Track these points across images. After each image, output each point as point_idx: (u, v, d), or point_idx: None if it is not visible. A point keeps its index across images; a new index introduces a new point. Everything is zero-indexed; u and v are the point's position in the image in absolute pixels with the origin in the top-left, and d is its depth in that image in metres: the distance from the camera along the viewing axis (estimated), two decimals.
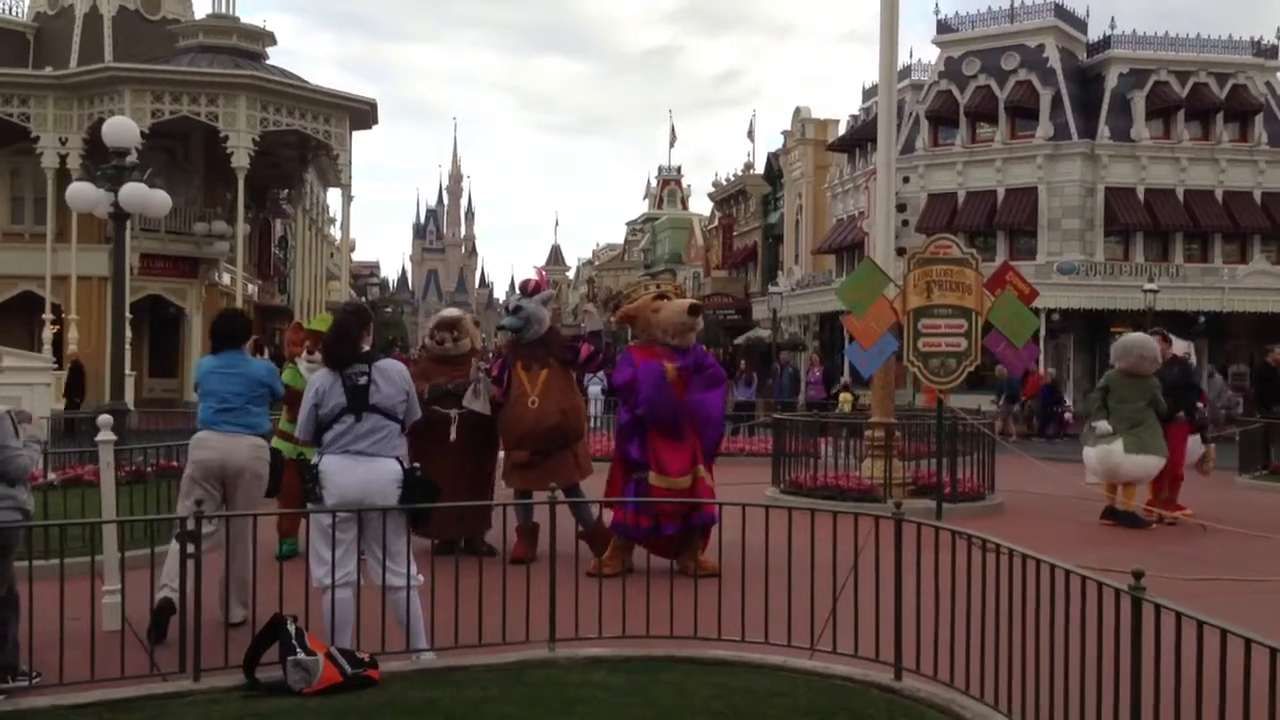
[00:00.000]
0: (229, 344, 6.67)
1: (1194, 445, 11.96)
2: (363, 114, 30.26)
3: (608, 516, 8.43)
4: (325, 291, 47.75)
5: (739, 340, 48.06)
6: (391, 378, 5.68)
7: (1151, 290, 31.95)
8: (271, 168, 33.80)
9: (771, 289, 41.18)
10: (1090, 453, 11.40)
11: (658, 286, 9.03)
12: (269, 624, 5.27)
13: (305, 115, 28.93)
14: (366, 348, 5.75)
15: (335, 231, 52.19)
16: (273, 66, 31.15)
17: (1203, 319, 32.23)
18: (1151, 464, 11.18)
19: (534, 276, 9.47)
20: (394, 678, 5.34)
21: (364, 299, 65.10)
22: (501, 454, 9.01)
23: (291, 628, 5.24)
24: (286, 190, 39.61)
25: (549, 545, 5.99)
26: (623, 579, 6.14)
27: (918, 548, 5.42)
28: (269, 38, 32.44)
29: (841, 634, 5.72)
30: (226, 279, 31.68)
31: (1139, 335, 11.85)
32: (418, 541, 5.79)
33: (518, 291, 9.23)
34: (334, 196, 48.66)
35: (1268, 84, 38.06)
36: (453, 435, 8.59)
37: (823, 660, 5.73)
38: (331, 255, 51.26)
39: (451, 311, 9.93)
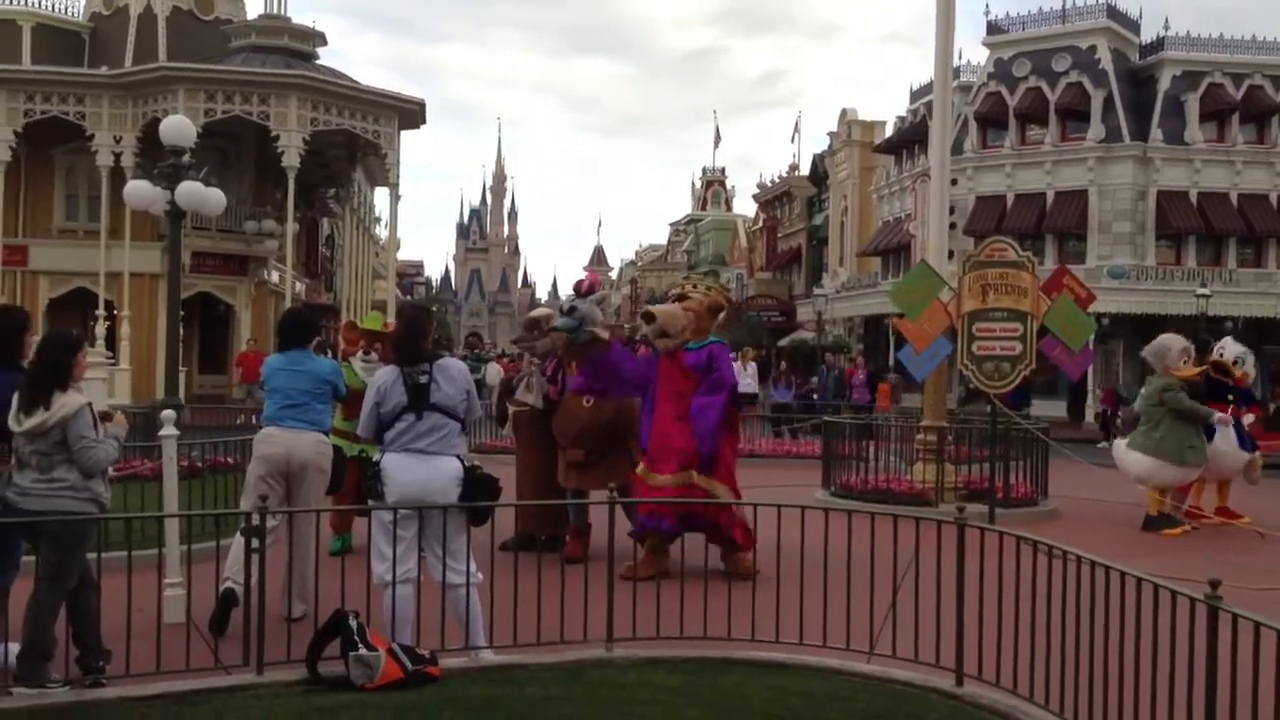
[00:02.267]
0: (295, 342, 6.74)
1: (1238, 452, 11.72)
2: (411, 114, 30.42)
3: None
4: (371, 290, 48.13)
5: (783, 342, 47.88)
6: (453, 376, 5.71)
7: (1204, 295, 31.48)
8: (320, 167, 34.08)
9: (816, 291, 41.05)
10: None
11: (680, 288, 9.03)
12: (331, 619, 5.30)
13: (354, 115, 29.13)
14: (427, 347, 5.80)
15: (381, 231, 52.63)
16: (323, 66, 31.40)
17: (1229, 324, 31.73)
18: (1147, 464, 11.04)
19: (587, 278, 9.49)
20: (454, 675, 5.36)
21: (409, 298, 65.59)
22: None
23: (353, 623, 5.27)
24: (335, 189, 39.93)
25: (608, 545, 5.99)
26: (681, 582, 6.10)
27: (981, 553, 5.36)
28: (320, 38, 32.70)
29: (901, 638, 5.68)
30: (275, 277, 31.97)
31: (1161, 336, 11.82)
32: (478, 539, 5.81)
33: (571, 292, 9.26)
34: (380, 196, 49.17)
35: None
36: (507, 430, 8.72)
37: (881, 664, 5.68)
38: (377, 254, 51.66)
39: (538, 311, 10.02)
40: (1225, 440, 11.55)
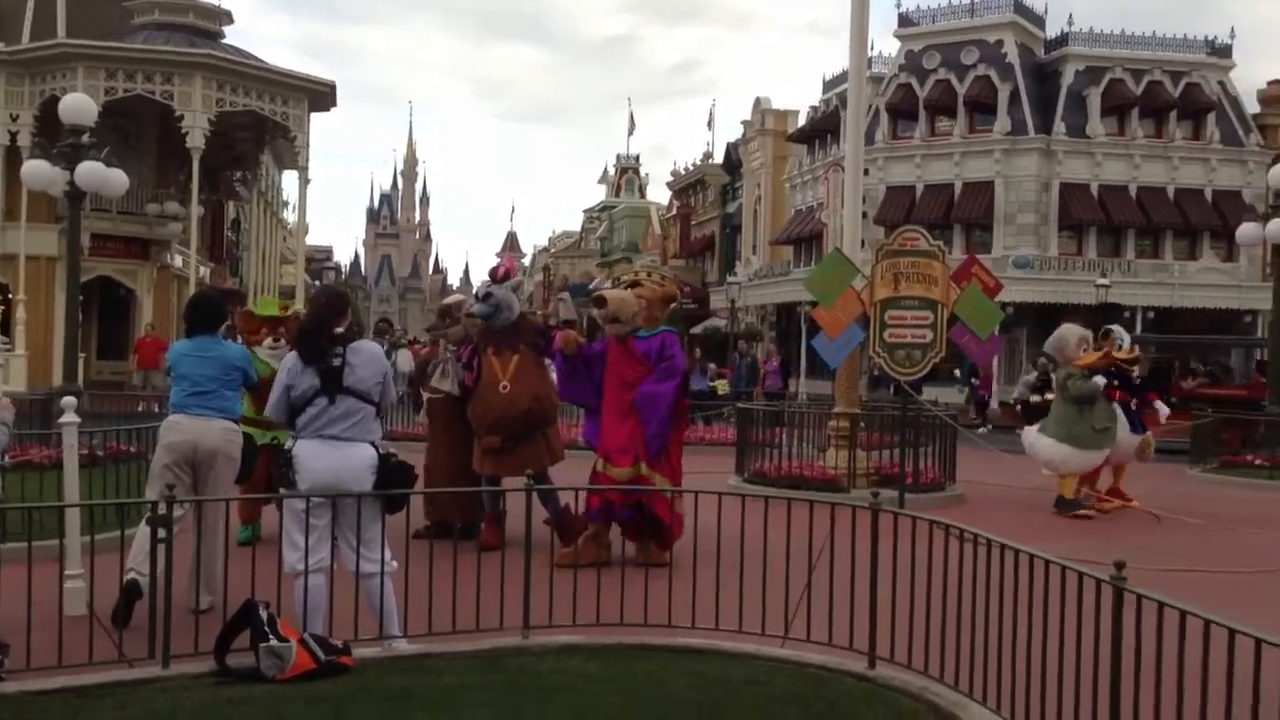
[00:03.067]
0: (203, 327, 6.57)
1: (1131, 436, 12.14)
2: (322, 96, 29.85)
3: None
4: (279, 275, 47.23)
5: (696, 330, 48.12)
6: (367, 360, 5.60)
7: (1104, 285, 32.36)
8: (226, 149, 33.30)
9: (729, 279, 41.27)
10: None
11: (634, 275, 9.02)
12: (241, 610, 5.19)
13: (263, 96, 28.48)
14: (340, 330, 5.68)
15: (289, 215, 51.70)
16: (229, 46, 30.65)
17: (1126, 314, 32.78)
18: (1061, 450, 11.37)
19: (503, 263, 9.41)
20: (368, 665, 5.28)
21: (318, 283, 64.53)
22: None
23: (264, 614, 5.16)
24: (241, 172, 39.07)
25: (524, 532, 5.95)
26: (597, 569, 6.10)
27: (894, 537, 5.42)
28: (226, 17, 31.92)
29: (815, 623, 5.74)
30: (179, 261, 31.21)
31: (1059, 329, 12.17)
32: (392, 527, 5.73)
33: (487, 278, 9.19)
34: (289, 179, 48.30)
35: (1220, 83, 38.60)
36: (421, 417, 8.66)
37: (796, 649, 5.74)
38: (285, 239, 50.72)
39: (453, 297, 9.97)
40: (1120, 426, 11.92)
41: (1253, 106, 39.98)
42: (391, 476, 5.56)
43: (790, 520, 5.68)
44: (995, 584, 4.82)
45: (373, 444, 5.59)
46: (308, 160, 29.62)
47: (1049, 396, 22.09)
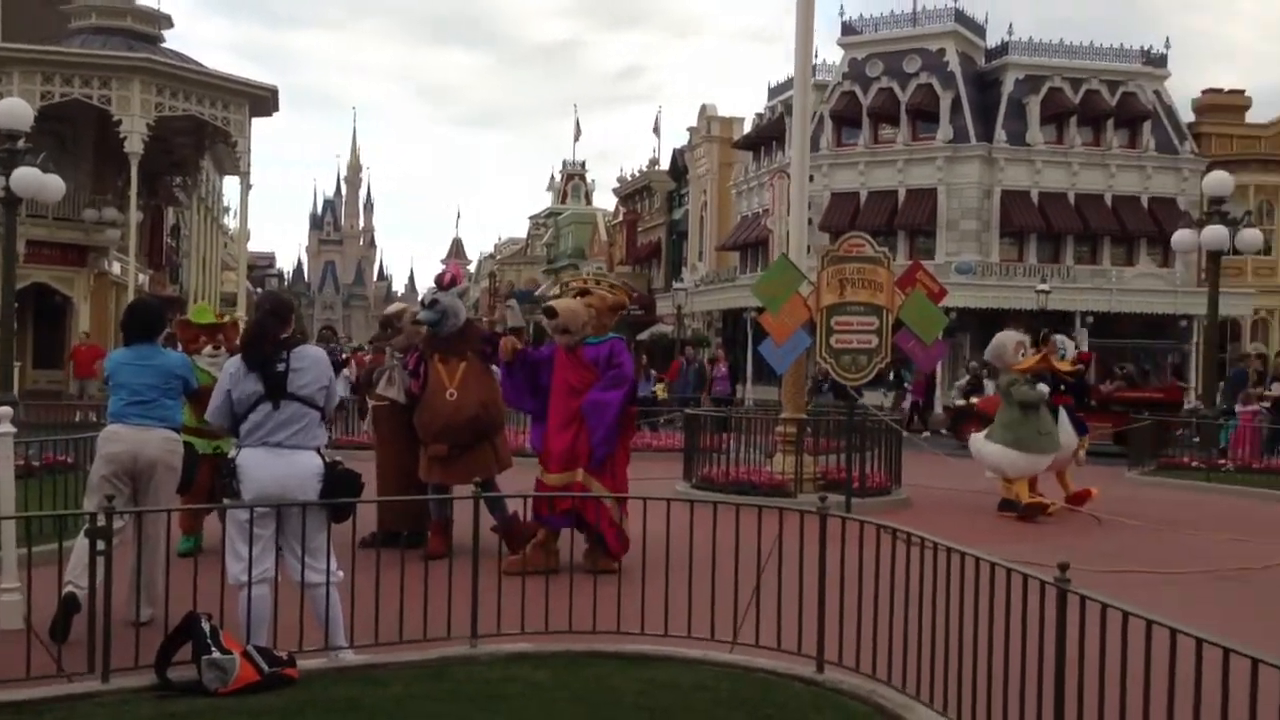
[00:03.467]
0: (142, 335, 6.45)
1: (1072, 439, 12.35)
2: (263, 101, 29.50)
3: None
4: (220, 282, 46.65)
5: (642, 336, 48.17)
6: (311, 364, 5.54)
7: (1043, 291, 32.84)
8: (165, 154, 32.79)
9: (676, 285, 41.35)
10: None
11: (583, 283, 8.99)
12: (183, 622, 5.11)
13: (203, 101, 28.08)
14: (285, 335, 5.61)
15: (230, 221, 51.03)
16: (169, 50, 30.20)
17: (1073, 323, 33.47)
18: (1009, 455, 11.54)
19: (449, 270, 9.35)
20: (313, 676, 5.22)
21: (260, 290, 63.80)
22: None
23: (206, 626, 5.08)
24: (181, 177, 38.53)
25: (471, 540, 5.91)
26: (545, 576, 6.07)
27: (841, 541, 5.45)
28: (165, 20, 31.45)
29: (764, 628, 5.76)
30: (117, 268, 30.69)
31: (997, 336, 12.38)
32: (338, 536, 5.67)
33: (434, 285, 9.14)
34: (230, 185, 47.67)
35: (1156, 92, 39.35)
36: (367, 425, 8.61)
37: (745, 654, 5.75)
38: (226, 245, 50.09)
39: (394, 306, 9.90)
40: (1064, 432, 12.11)
41: (1187, 115, 40.81)
42: (338, 485, 5.49)
43: (739, 526, 5.69)
44: (941, 587, 4.86)
45: (318, 451, 5.53)
46: (249, 165, 29.26)
47: (974, 400, 22.62)
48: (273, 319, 5.63)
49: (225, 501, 5.48)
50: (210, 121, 28.74)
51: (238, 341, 6.37)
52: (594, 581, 6.12)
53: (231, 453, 5.53)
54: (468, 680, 5.28)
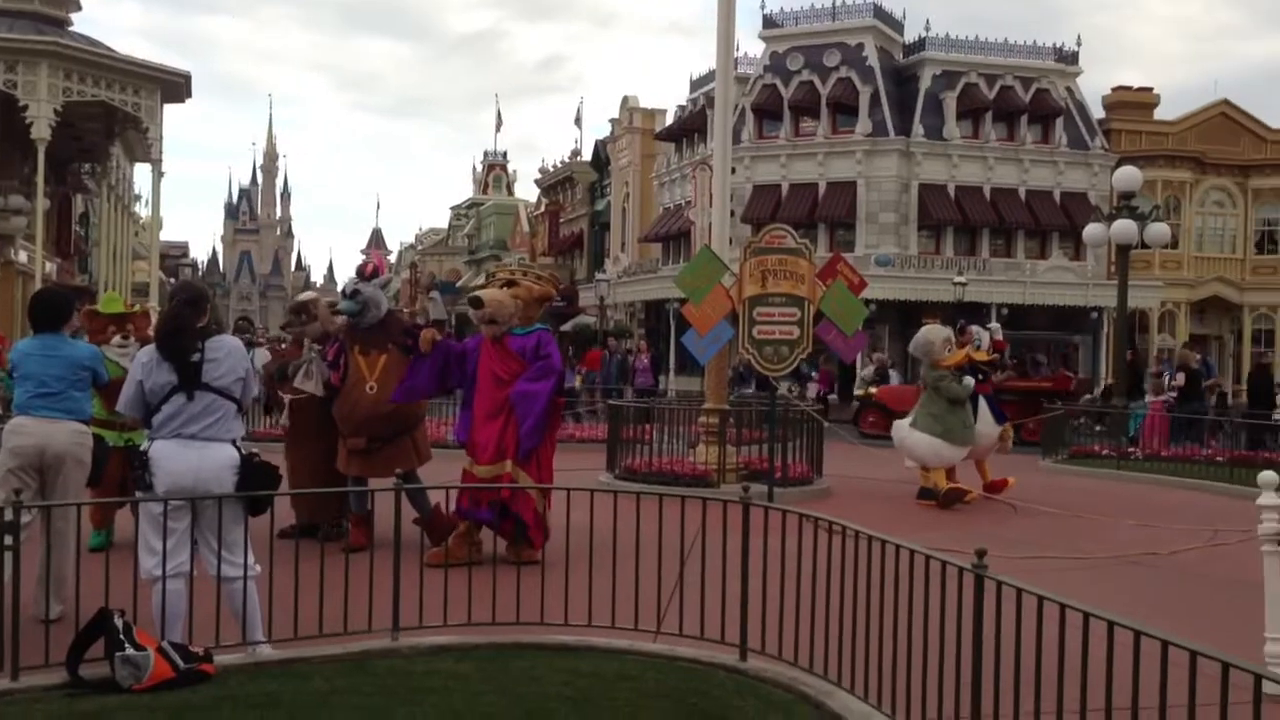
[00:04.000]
0: (49, 325, 6.27)
1: (994, 428, 12.60)
2: (175, 86, 28.89)
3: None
4: (131, 272, 45.50)
5: (565, 327, 48.08)
6: (227, 354, 5.42)
7: (960, 283, 33.40)
8: (74, 140, 31.95)
9: (598, 276, 41.35)
10: None
11: (510, 274, 8.92)
12: (94, 618, 4.98)
13: (113, 86, 27.43)
14: (200, 325, 5.49)
15: (142, 209, 49.88)
16: (77, 34, 29.42)
17: (986, 312, 34.15)
18: (934, 445, 11.74)
19: (371, 260, 9.22)
20: (231, 671, 5.13)
21: (173, 280, 62.44)
22: None
23: (119, 622, 4.97)
24: (90, 165, 37.57)
25: (393, 533, 5.85)
26: (468, 568, 6.03)
27: (765, 531, 5.49)
28: (74, 3, 30.61)
29: (687, 618, 5.78)
30: (24, 257, 29.85)
31: (923, 330, 12.56)
32: (256, 528, 5.56)
33: (355, 275, 9.02)
34: (141, 173, 46.59)
35: (1068, 89, 40.19)
36: (284, 419, 8.47)
37: (669, 643, 5.78)
38: (137, 234, 48.89)
39: (304, 295, 9.74)
40: (984, 421, 12.33)
41: (1098, 112, 41.76)
42: (254, 477, 5.39)
43: (662, 516, 5.70)
44: (862, 575, 4.92)
45: (234, 443, 5.42)
46: (161, 153, 28.67)
47: (872, 390, 23.09)
48: (189, 309, 5.51)
49: (137, 494, 5.35)
50: (120, 108, 28.09)
51: (151, 331, 6.20)
52: (517, 573, 6.09)
53: (144, 445, 5.40)
54: (390, 673, 5.23)
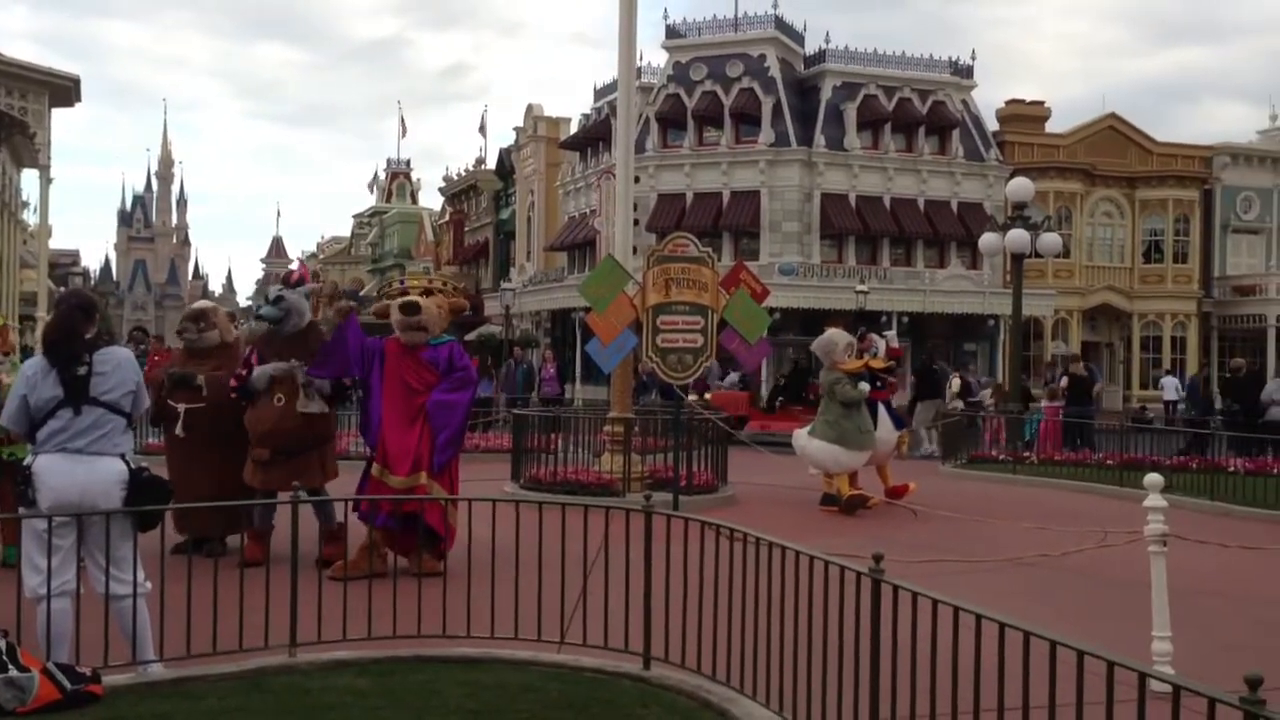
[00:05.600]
0: None
1: (892, 434, 12.83)
2: (64, 90, 28.00)
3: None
4: (18, 281, 44.00)
5: (470, 336, 47.71)
6: (118, 366, 5.27)
7: (862, 291, 33.95)
8: None
9: (504, 285, 41.15)
10: None
11: (401, 284, 8.83)
12: None
13: None
14: (89, 336, 5.33)
15: (30, 216, 48.28)
16: None
17: (884, 318, 34.83)
18: (832, 451, 11.91)
19: (298, 269, 9.05)
20: (120, 692, 4.97)
21: (62, 289, 60.58)
22: None
23: (2, 643, 4.79)
24: None
25: (290, 546, 5.73)
26: (369, 581, 5.94)
27: (666, 539, 5.50)
28: None
29: (592, 627, 5.77)
30: None
31: (828, 332, 12.75)
32: (147, 545, 5.41)
33: (279, 282, 8.85)
34: (28, 178, 45.09)
35: (964, 102, 41.15)
36: (179, 430, 8.25)
37: (572, 653, 5.75)
38: (26, 242, 47.34)
39: (201, 303, 9.52)
40: (883, 427, 12.54)
41: (993, 124, 42.81)
42: (144, 492, 5.24)
43: (565, 526, 5.68)
44: (764, 581, 4.96)
45: (123, 458, 5.26)
46: (49, 159, 27.80)
47: (707, 396, 23.50)
48: (80, 314, 5.35)
49: (20, 511, 5.17)
50: (6, 112, 27.14)
51: (39, 338, 5.97)
52: (418, 586, 6.01)
53: (27, 459, 5.22)
54: (286, 690, 5.12)
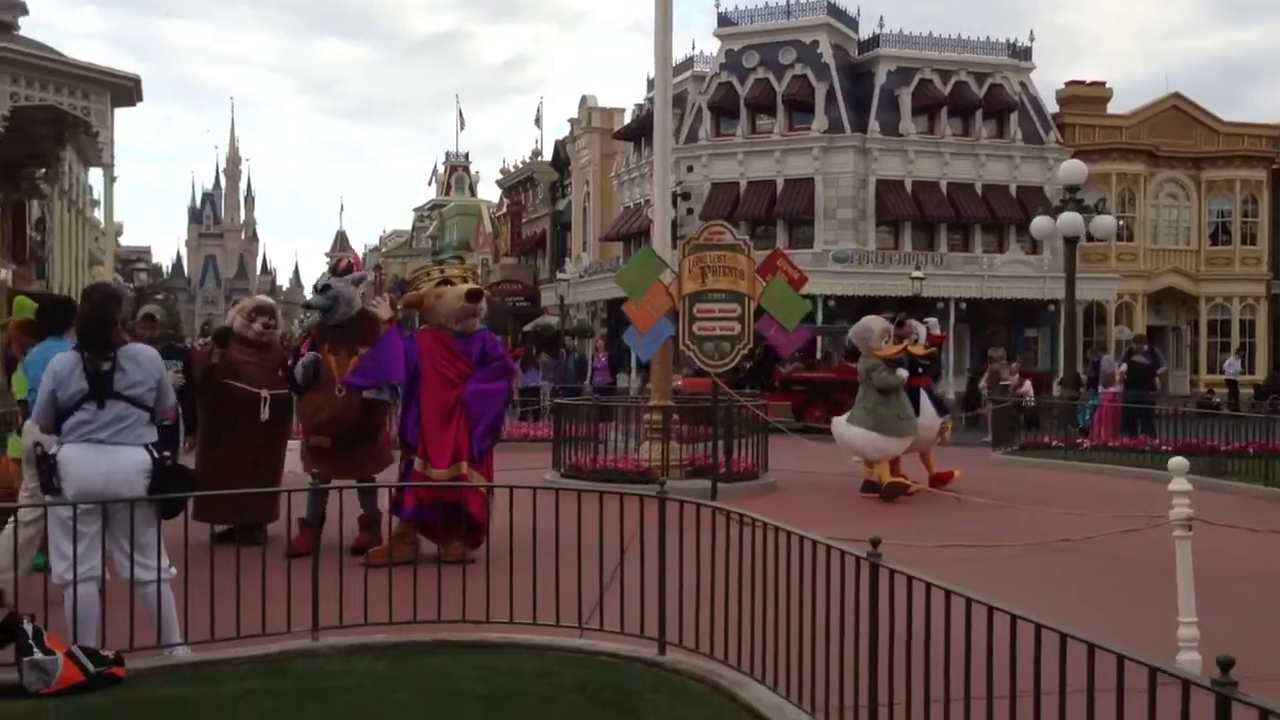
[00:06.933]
0: (51, 330, 6.25)
1: (935, 420, 12.71)
2: (125, 90, 28.58)
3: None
4: (89, 277, 45.05)
5: (527, 327, 48.01)
6: (141, 364, 5.40)
7: (918, 278, 33.61)
8: (25, 145, 31.59)
9: (559, 275, 41.31)
10: None
11: (441, 271, 8.91)
12: (2, 623, 4.97)
13: (61, 90, 27.08)
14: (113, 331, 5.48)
15: (99, 214, 49.39)
16: (24, 38, 29.11)
17: (940, 305, 34.47)
18: (869, 438, 11.81)
19: (349, 257, 9.19)
20: (144, 675, 5.11)
21: (131, 285, 61.90)
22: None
23: (29, 627, 4.95)
24: (43, 169, 37.16)
25: (313, 533, 5.84)
26: (389, 568, 6.02)
27: (696, 527, 5.48)
28: (20, 8, 30.35)
29: (613, 613, 5.82)
30: None
31: (863, 319, 12.64)
32: (174, 533, 5.54)
33: (327, 270, 9.01)
34: (96, 177, 46.12)
35: (1022, 84, 40.53)
36: (264, 415, 8.39)
37: (592, 639, 5.80)
38: (98, 239, 48.46)
39: (267, 299, 9.65)
40: (926, 413, 12.43)
41: (1053, 106, 42.12)
42: (167, 480, 5.38)
43: (601, 513, 5.70)
44: (771, 565, 4.97)
45: (147, 448, 5.39)
46: (112, 157, 28.39)
47: (678, 383, 23.36)
48: (113, 303, 5.51)
49: (46, 499, 5.33)
50: (70, 112, 27.79)
51: (74, 329, 6.06)
52: (438, 572, 6.09)
53: (53, 449, 5.37)
54: (306, 674, 5.23)
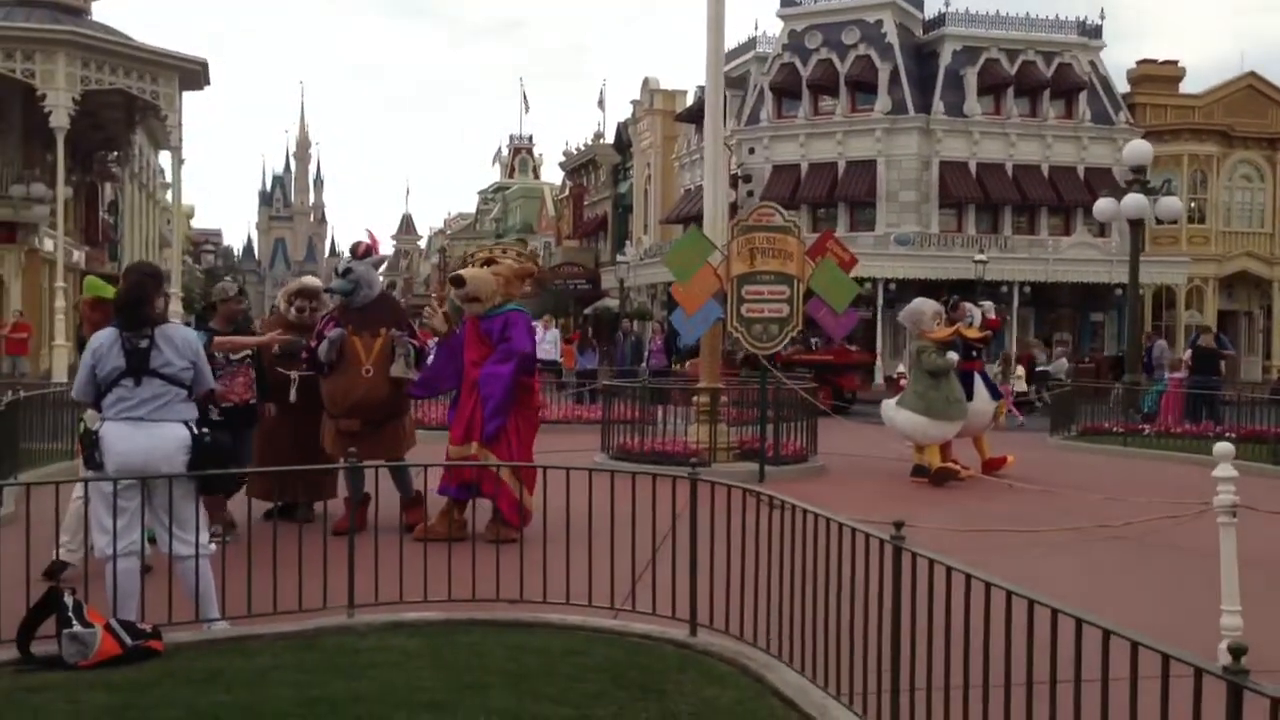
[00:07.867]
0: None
1: (989, 405, 12.52)
2: (193, 74, 29.06)
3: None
4: (161, 259, 45.96)
5: (588, 310, 48.16)
6: (177, 344, 5.49)
7: (981, 261, 33.12)
8: (96, 129, 32.30)
9: (619, 258, 41.31)
10: None
11: (489, 251, 8.97)
12: (45, 596, 5.08)
13: (130, 74, 27.62)
14: (157, 310, 5.57)
15: (170, 196, 50.34)
16: (95, 23, 29.67)
17: (1005, 289, 33.97)
18: (918, 421, 11.65)
19: (366, 239, 9.20)
20: (180, 649, 5.21)
21: (199, 267, 62.96)
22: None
23: (69, 600, 5.06)
24: (115, 152, 37.93)
25: (348, 511, 5.91)
26: (424, 546, 6.09)
27: (727, 509, 5.47)
28: None
29: (646, 594, 5.82)
30: (49, 245, 30.21)
31: (914, 301, 12.47)
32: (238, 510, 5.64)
33: (347, 254, 9.05)
34: (167, 160, 46.95)
35: (1091, 63, 39.67)
36: (292, 396, 8.51)
37: (626, 619, 5.82)
38: (169, 221, 49.39)
39: (313, 280, 9.71)
40: (979, 397, 12.26)
41: (1123, 86, 41.20)
42: (206, 456, 5.47)
43: (655, 494, 5.70)
44: (800, 548, 4.94)
45: (187, 424, 5.49)
46: (181, 140, 28.88)
47: (685, 365, 23.18)
48: (151, 281, 5.60)
49: (88, 474, 5.44)
50: (139, 95, 28.30)
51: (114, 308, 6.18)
52: (472, 550, 6.13)
53: (95, 425, 5.49)
54: (338, 650, 5.29)
